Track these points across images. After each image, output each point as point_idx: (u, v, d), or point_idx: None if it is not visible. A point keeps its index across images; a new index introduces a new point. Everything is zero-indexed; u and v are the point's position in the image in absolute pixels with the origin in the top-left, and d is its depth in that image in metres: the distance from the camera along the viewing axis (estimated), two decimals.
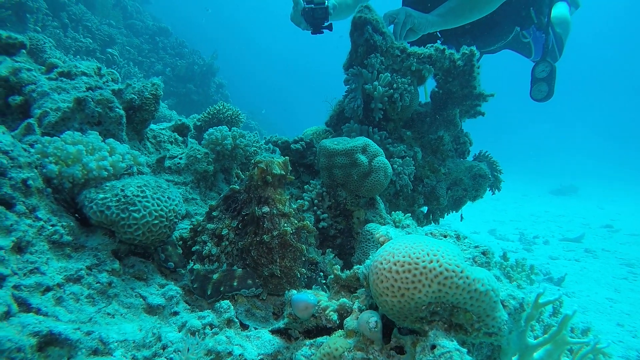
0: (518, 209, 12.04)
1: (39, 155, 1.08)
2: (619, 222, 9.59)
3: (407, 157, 1.96)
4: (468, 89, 2.17)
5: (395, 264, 0.65)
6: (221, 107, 3.48)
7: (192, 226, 1.25)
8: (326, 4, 2.28)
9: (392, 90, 1.97)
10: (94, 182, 1.11)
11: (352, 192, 1.70)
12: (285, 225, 1.07)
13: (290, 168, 1.16)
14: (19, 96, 1.67)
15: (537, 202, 13.22)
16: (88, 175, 1.09)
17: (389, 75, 1.96)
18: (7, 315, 0.78)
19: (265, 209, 1.07)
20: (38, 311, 0.85)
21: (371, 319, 0.73)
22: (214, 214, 1.17)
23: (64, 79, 1.82)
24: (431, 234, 0.80)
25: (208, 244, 1.18)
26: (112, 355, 0.82)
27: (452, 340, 0.61)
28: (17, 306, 0.83)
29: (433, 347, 0.60)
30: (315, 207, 1.71)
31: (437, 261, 0.62)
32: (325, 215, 1.68)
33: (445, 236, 0.82)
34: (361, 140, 1.67)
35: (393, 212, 1.71)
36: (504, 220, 10.13)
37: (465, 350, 0.59)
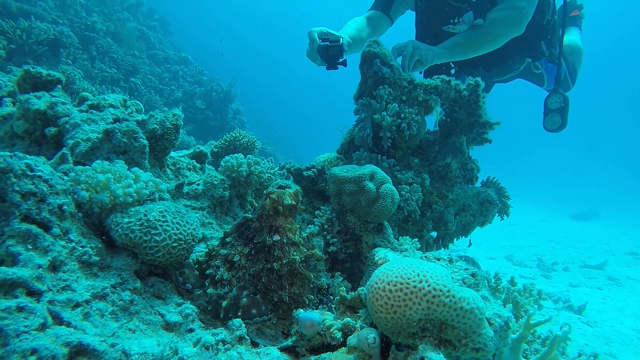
0: (536, 234, 11.79)
1: (72, 183, 1.20)
2: None
3: (415, 184, 2.03)
4: (474, 117, 2.25)
5: (388, 284, 0.72)
6: (237, 134, 3.63)
7: (207, 250, 1.33)
8: (341, 41, 2.40)
9: (399, 120, 2.06)
10: (120, 207, 1.22)
11: (361, 218, 1.77)
12: (295, 254, 1.15)
13: (301, 198, 1.25)
14: (54, 127, 1.82)
15: (557, 228, 12.93)
16: (115, 201, 1.20)
17: (397, 105, 2.06)
18: (44, 327, 0.87)
19: (276, 237, 1.15)
20: (69, 324, 0.94)
21: (370, 335, 0.79)
22: (227, 240, 1.26)
23: (94, 111, 1.98)
24: (425, 257, 0.87)
25: (221, 268, 1.26)
26: None
27: (439, 353, 0.66)
28: (52, 319, 0.92)
29: (422, 359, 0.66)
30: (325, 232, 1.79)
31: (427, 281, 0.69)
32: (335, 239, 1.76)
33: (438, 259, 0.88)
34: (369, 168, 1.76)
35: (400, 238, 1.77)
36: (521, 246, 9.93)
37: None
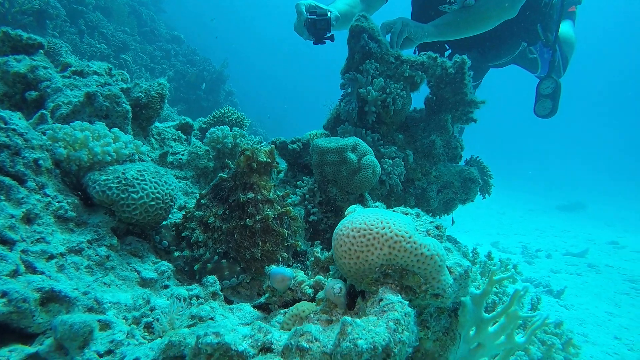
0: (523, 223, 11.95)
1: (50, 140, 1.19)
2: (626, 239, 9.49)
3: (398, 158, 2.05)
4: (460, 95, 2.27)
5: (352, 230, 0.74)
6: (226, 110, 3.61)
7: (184, 212, 1.34)
8: (329, 15, 2.35)
9: (385, 95, 2.07)
10: (98, 165, 1.22)
11: (342, 189, 1.79)
12: (268, 210, 1.15)
13: (276, 157, 1.24)
14: (35, 92, 1.80)
15: (543, 217, 13.11)
16: (93, 159, 1.20)
17: (382, 80, 2.07)
18: (15, 273, 0.88)
19: (250, 194, 1.16)
20: (42, 274, 0.95)
21: (336, 285, 0.82)
22: (203, 201, 1.26)
23: (77, 77, 1.95)
24: (393, 210, 0.89)
25: (196, 231, 1.27)
26: (105, 313, 0.91)
27: (397, 295, 0.69)
28: (25, 268, 0.93)
29: (380, 300, 0.68)
30: (306, 202, 1.80)
31: (389, 228, 0.71)
32: (316, 209, 1.78)
33: (405, 214, 0.91)
34: (351, 140, 1.77)
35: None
36: (507, 234, 10.09)
37: (407, 302, 0.68)
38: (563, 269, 6.84)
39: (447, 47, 3.34)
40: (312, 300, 1.00)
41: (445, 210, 2.47)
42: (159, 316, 0.91)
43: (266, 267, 1.04)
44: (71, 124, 1.25)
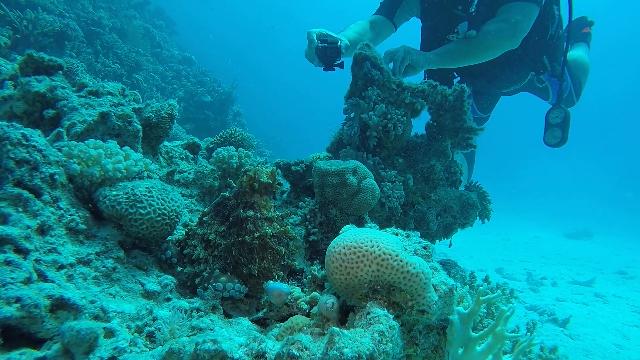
0: (529, 250, 11.82)
1: (65, 156, 1.27)
2: (635, 269, 9.33)
3: (397, 182, 2.10)
4: (459, 122, 2.34)
5: (343, 248, 0.79)
6: (233, 131, 3.71)
7: (186, 230, 1.39)
8: (339, 44, 2.45)
9: (386, 120, 2.14)
10: (109, 181, 1.29)
11: (342, 210, 1.85)
12: (267, 228, 1.20)
13: (277, 178, 1.30)
14: (52, 110, 1.90)
15: (550, 245, 12.97)
16: (105, 176, 1.28)
17: (384, 106, 2.15)
18: (28, 281, 0.94)
19: (250, 212, 1.20)
20: (52, 283, 1.01)
21: (329, 300, 0.86)
22: (205, 219, 1.31)
23: (92, 97, 2.06)
24: (384, 231, 0.94)
25: (197, 247, 1.31)
26: (109, 322, 0.96)
27: (384, 309, 0.73)
28: (37, 276, 0.98)
29: (368, 314, 0.73)
30: (307, 222, 1.86)
31: (378, 246, 0.77)
32: (316, 229, 1.83)
33: (396, 234, 0.96)
34: (352, 163, 1.84)
35: None
36: (512, 260, 9.99)
37: (392, 316, 0.72)
38: (569, 297, 6.74)
39: (456, 75, 3.40)
40: (308, 315, 1.04)
41: (445, 234, 2.50)
42: (160, 326, 0.96)
43: (264, 283, 1.08)
44: (86, 141, 1.33)
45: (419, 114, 2.31)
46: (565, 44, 3.17)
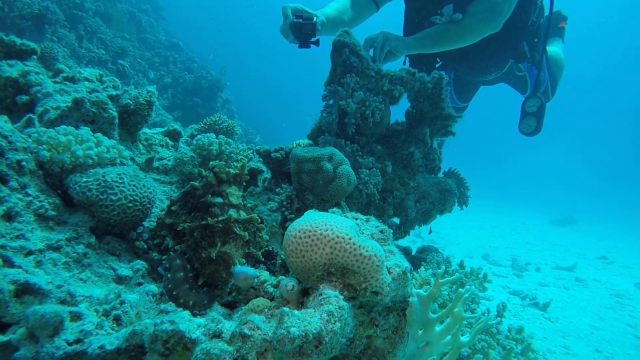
0: (515, 236, 12.01)
1: (34, 143, 1.27)
2: (616, 254, 9.56)
3: (374, 169, 2.13)
4: (438, 110, 2.36)
5: (299, 231, 0.81)
6: (217, 118, 3.69)
7: (157, 217, 1.37)
8: (314, 20, 2.41)
9: (364, 107, 2.15)
10: (80, 168, 1.30)
11: (318, 196, 1.87)
12: (233, 213, 1.18)
13: (259, 165, 1.28)
14: (25, 96, 1.87)
15: (536, 231, 13.17)
16: (75, 162, 1.28)
17: (362, 93, 2.16)
18: None
19: (218, 199, 1.19)
20: (19, 268, 1.02)
21: (289, 283, 0.89)
22: (173, 208, 1.27)
23: (68, 83, 2.03)
24: (344, 216, 0.96)
25: (167, 238, 1.29)
26: (77, 306, 0.98)
27: (335, 291, 0.76)
28: (2, 262, 0.99)
29: (320, 295, 0.76)
30: (284, 208, 1.88)
31: (331, 230, 0.79)
32: (293, 216, 1.85)
33: (355, 218, 0.98)
34: (328, 150, 1.85)
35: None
36: (499, 247, 10.14)
37: (342, 297, 0.75)
38: (551, 282, 6.90)
39: (438, 60, 3.38)
40: (273, 299, 1.07)
41: (424, 220, 2.54)
42: (127, 309, 0.98)
43: (232, 268, 1.09)
44: (56, 128, 1.32)
45: (397, 102, 2.32)
46: (544, 32, 3.19)
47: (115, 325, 0.96)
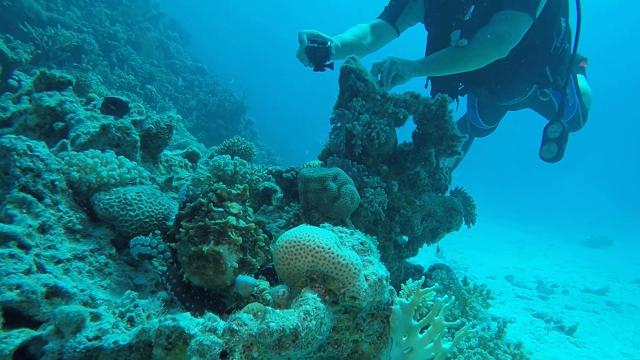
0: (542, 258, 11.63)
1: (66, 165, 1.44)
2: None
3: (379, 188, 2.22)
4: (442, 130, 2.45)
5: (286, 242, 0.93)
6: (236, 140, 3.88)
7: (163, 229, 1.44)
8: (328, 44, 2.55)
9: (370, 129, 2.27)
10: (104, 187, 1.46)
11: (324, 214, 1.98)
12: (231, 219, 1.22)
13: (248, 194, 1.36)
14: (61, 122, 2.09)
15: (565, 253, 12.71)
16: (100, 182, 1.44)
17: (368, 116, 2.28)
18: (29, 272, 1.10)
19: (220, 209, 1.26)
20: (50, 274, 1.17)
21: (280, 289, 1.00)
22: (182, 223, 1.30)
23: (98, 110, 2.25)
24: (332, 230, 1.07)
25: (182, 252, 1.38)
26: (97, 308, 1.11)
27: (315, 294, 0.86)
28: (36, 268, 1.15)
29: (301, 297, 0.86)
30: (291, 225, 1.99)
31: (313, 241, 0.90)
32: None
33: (341, 232, 1.08)
34: (333, 170, 1.97)
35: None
36: (524, 268, 9.86)
37: (320, 299, 0.85)
38: (579, 305, 6.63)
39: (461, 84, 3.38)
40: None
41: (432, 238, 2.60)
42: (140, 312, 1.10)
43: (210, 268, 1.16)
44: (84, 151, 1.50)
45: (403, 123, 2.43)
46: (569, 57, 3.11)
47: (129, 325, 1.09)
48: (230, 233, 1.17)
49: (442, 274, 2.30)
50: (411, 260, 2.92)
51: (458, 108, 3.54)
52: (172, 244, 1.26)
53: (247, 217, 1.30)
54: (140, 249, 1.26)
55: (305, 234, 0.92)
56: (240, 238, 1.19)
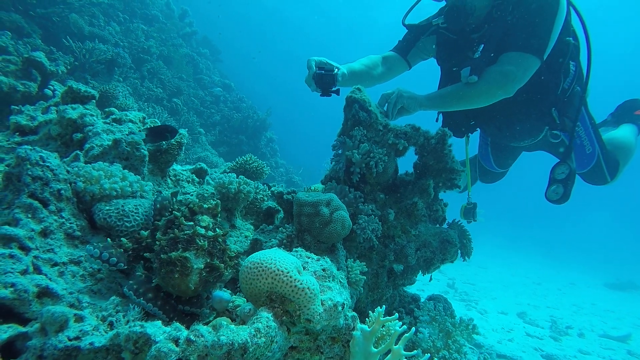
0: (560, 296, 11.19)
1: (74, 175, 1.57)
2: None
3: (373, 215, 2.28)
4: (442, 163, 2.50)
5: (250, 263, 1.00)
6: (248, 158, 4.02)
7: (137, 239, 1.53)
8: (335, 72, 2.66)
9: (368, 158, 2.34)
10: (107, 198, 1.58)
11: (315, 238, 2.04)
12: (199, 229, 1.31)
13: (219, 210, 1.46)
14: (80, 134, 2.26)
15: (585, 293, 12.20)
16: (103, 193, 1.56)
17: (367, 145, 2.35)
18: (25, 272, 1.21)
19: (190, 223, 1.35)
20: (44, 276, 1.28)
21: (246, 307, 1.07)
22: (157, 235, 1.37)
23: (115, 124, 2.41)
24: (299, 256, 1.14)
25: (155, 262, 1.48)
26: (82, 310, 1.21)
27: (269, 313, 0.93)
28: (33, 269, 1.26)
29: (257, 315, 0.93)
30: (283, 246, 2.06)
31: (274, 264, 0.97)
32: None
33: (308, 257, 1.15)
34: (327, 196, 2.04)
35: (349, 260, 2.02)
36: (539, 306, 9.52)
37: (272, 318, 0.91)
38: (595, 351, 6.32)
39: (472, 122, 3.42)
40: None
41: (426, 268, 2.62)
42: (120, 318, 1.19)
43: (177, 272, 1.24)
44: (92, 164, 1.63)
45: (403, 154, 2.49)
46: (578, 101, 3.11)
47: (108, 328, 1.18)
48: (197, 240, 1.25)
49: (430, 305, 2.31)
50: (414, 289, 2.92)
51: (469, 144, 3.55)
52: (147, 254, 1.36)
53: (217, 229, 1.37)
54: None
55: (269, 257, 0.99)
56: (205, 242, 1.26)
